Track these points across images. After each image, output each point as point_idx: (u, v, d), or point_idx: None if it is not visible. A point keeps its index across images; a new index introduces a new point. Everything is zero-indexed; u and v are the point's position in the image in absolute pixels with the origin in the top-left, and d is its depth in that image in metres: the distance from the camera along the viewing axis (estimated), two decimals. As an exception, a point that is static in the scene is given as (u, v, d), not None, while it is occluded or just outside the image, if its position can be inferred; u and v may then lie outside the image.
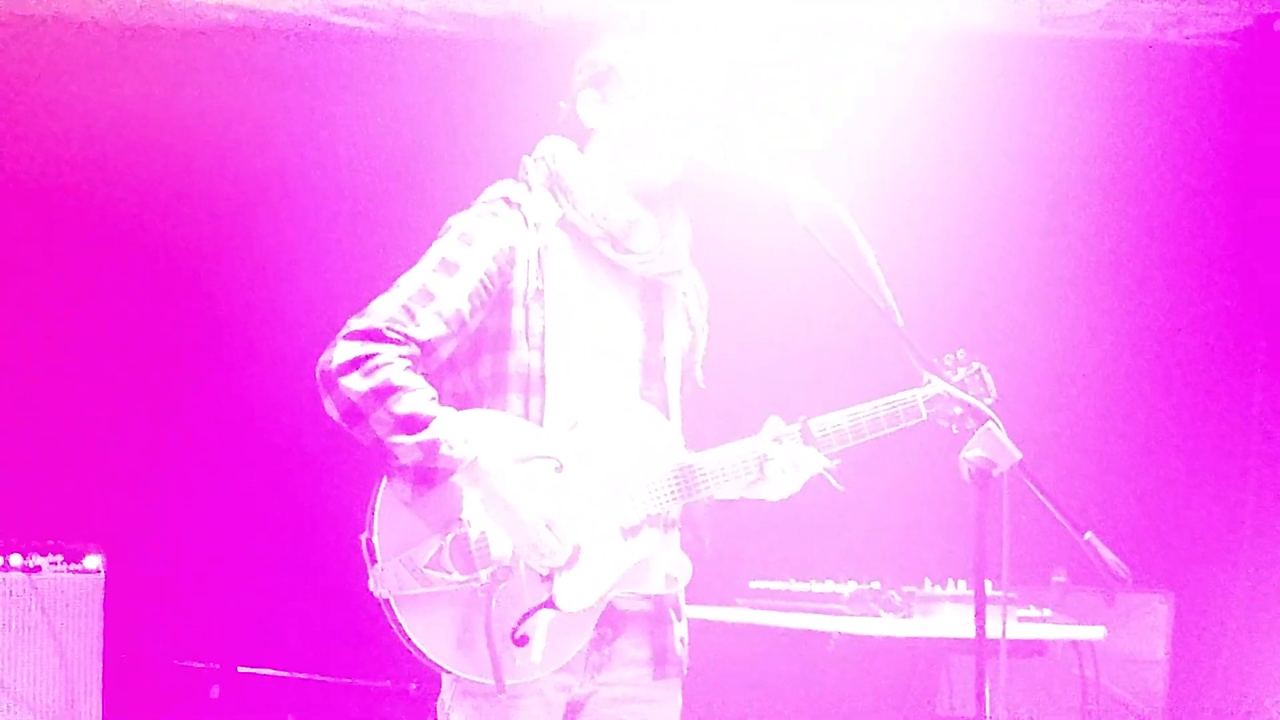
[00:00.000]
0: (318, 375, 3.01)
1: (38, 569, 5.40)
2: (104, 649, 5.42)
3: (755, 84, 5.55)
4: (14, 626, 5.33)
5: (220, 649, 6.01)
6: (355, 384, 2.97)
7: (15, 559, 5.39)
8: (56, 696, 5.34)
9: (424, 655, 3.00)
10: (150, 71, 6.10)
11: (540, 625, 3.02)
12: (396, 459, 2.98)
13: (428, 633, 2.98)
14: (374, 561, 2.99)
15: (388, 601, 2.99)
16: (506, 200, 3.19)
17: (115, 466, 6.16)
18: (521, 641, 3.01)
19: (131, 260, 6.28)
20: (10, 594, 5.35)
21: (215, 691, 5.87)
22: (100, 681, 5.41)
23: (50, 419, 6.15)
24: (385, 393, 2.96)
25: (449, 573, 2.98)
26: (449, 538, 2.99)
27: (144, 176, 6.24)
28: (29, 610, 5.35)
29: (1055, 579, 5.72)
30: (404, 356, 3.01)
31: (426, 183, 6.02)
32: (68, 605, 5.40)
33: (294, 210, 6.30)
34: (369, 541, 2.99)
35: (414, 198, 5.84)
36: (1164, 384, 6.42)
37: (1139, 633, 5.83)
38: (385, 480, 3.01)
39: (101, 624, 5.43)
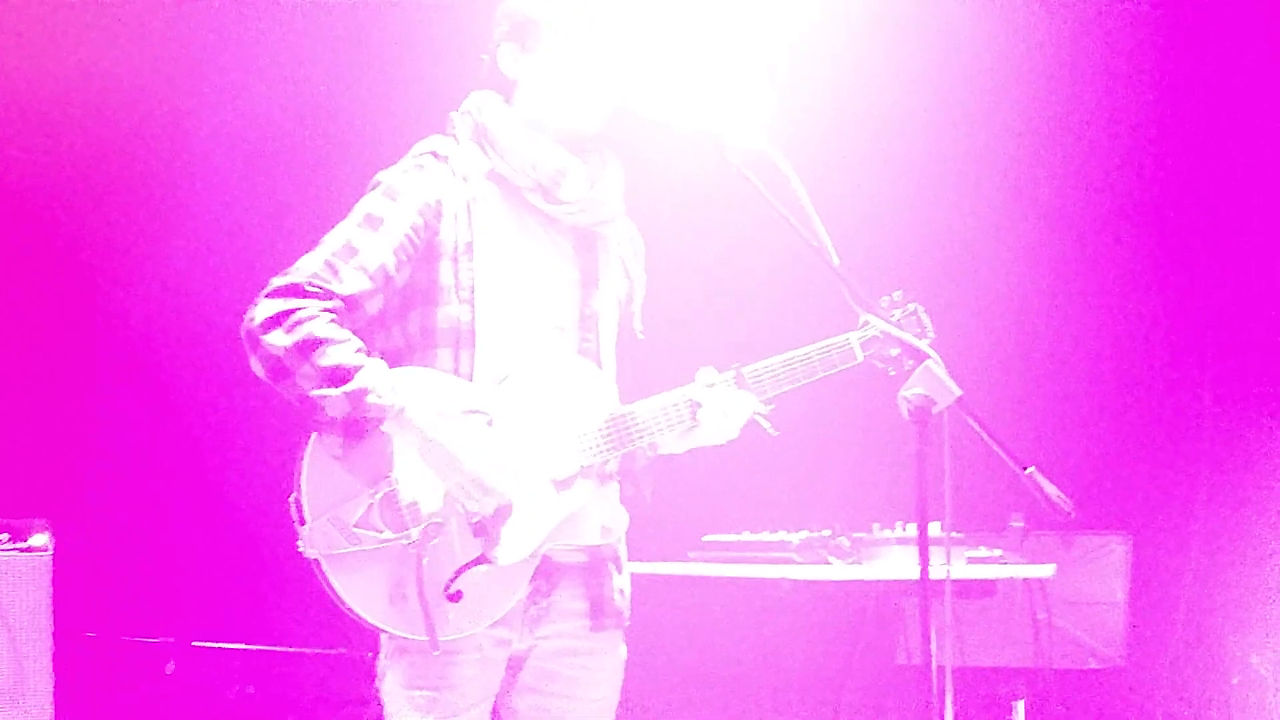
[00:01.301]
0: (242, 334, 2.98)
1: (-16, 547, 5.34)
2: (54, 627, 5.36)
3: (687, 25, 5.49)
4: (-38, 606, 5.28)
5: (174, 623, 5.97)
6: (278, 340, 2.93)
7: (-40, 538, 5.33)
8: (6, 675, 5.29)
9: (356, 614, 2.97)
10: (82, 30, 5.99)
11: (474, 580, 2.99)
12: (324, 412, 2.94)
13: (360, 591, 2.95)
14: (302, 522, 2.95)
15: (318, 562, 2.95)
16: (434, 154, 3.16)
17: (59, 442, 6.11)
18: (455, 597, 2.98)
19: (66, 226, 6.21)
20: (-44, 574, 5.30)
21: (170, 666, 5.83)
22: (51, 660, 5.35)
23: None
24: (309, 346, 2.93)
25: (379, 530, 2.95)
26: (378, 495, 2.96)
27: (93, 135, 6.14)
28: (-25, 589, 5.30)
29: (1013, 523, 5.73)
30: (327, 310, 2.97)
31: (362, 142, 5.95)
32: (15, 583, 5.34)
33: (227, 171, 6.24)
34: (296, 501, 2.95)
35: (349, 157, 5.78)
36: (1120, 324, 6.41)
37: (1097, 574, 5.84)
38: (313, 438, 2.97)
39: (50, 601, 5.37)
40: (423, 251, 3.08)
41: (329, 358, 2.93)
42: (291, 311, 2.95)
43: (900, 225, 6.09)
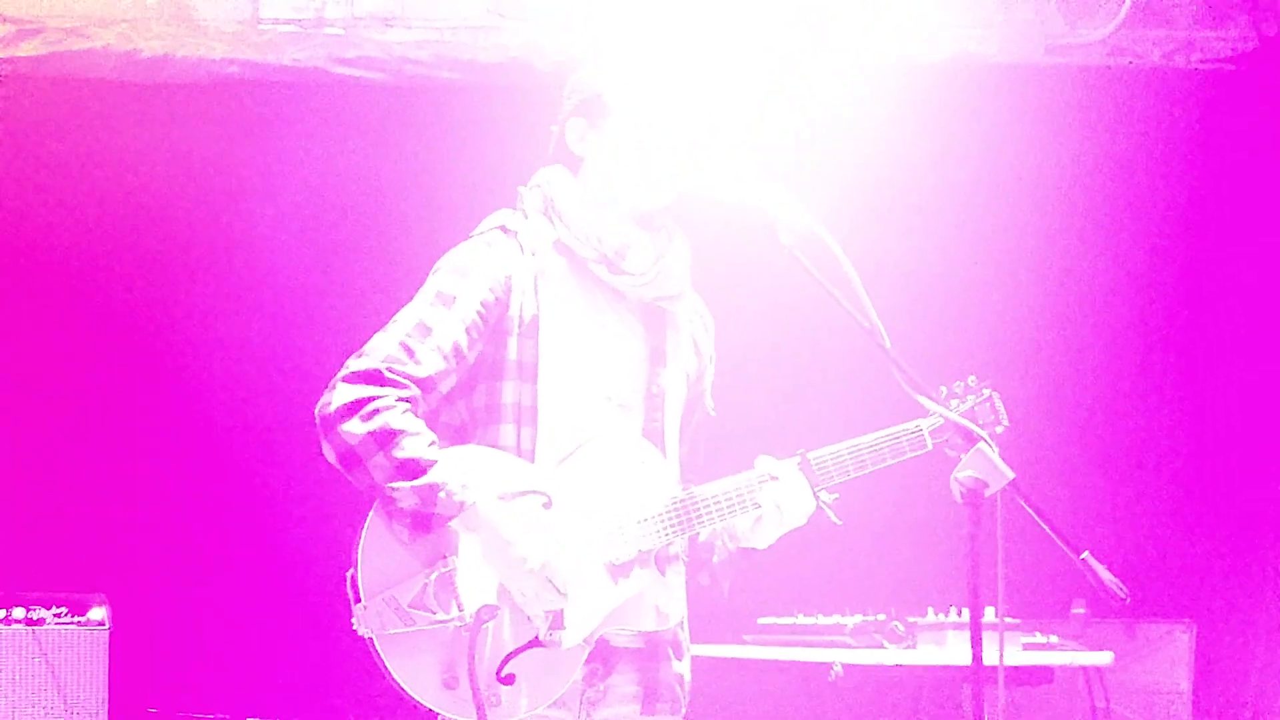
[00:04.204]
0: (316, 419, 2.98)
1: (41, 621, 5.38)
2: (109, 701, 5.39)
3: (750, 113, 5.53)
4: (18, 680, 5.31)
5: (231, 699, 5.97)
6: (354, 428, 2.93)
7: (18, 612, 5.38)
8: (63, 750, 5.32)
9: (408, 694, 2.96)
10: (157, 126, 6.12)
11: (526, 663, 2.98)
12: (395, 503, 2.94)
13: (412, 672, 2.94)
14: (357, 600, 2.95)
15: (372, 641, 2.95)
16: (503, 229, 3.17)
17: (118, 517, 6.15)
18: (507, 680, 2.96)
19: (138, 310, 6.29)
20: (14, 647, 5.33)
21: (226, 742, 5.84)
22: (106, 734, 5.38)
23: (52, 470, 6.15)
24: (384, 438, 2.92)
25: (432, 611, 2.94)
26: (433, 576, 2.95)
27: (149, 229, 6.26)
28: (33, 663, 5.33)
29: (1075, 610, 5.66)
30: (403, 399, 2.97)
31: (431, 229, 5.98)
32: (73, 658, 5.37)
33: (299, 259, 6.31)
34: (353, 578, 2.95)
35: (419, 244, 5.81)
36: (1185, 411, 6.37)
37: (1161, 664, 5.76)
38: (371, 515, 2.98)
39: (107, 676, 5.40)
40: (493, 327, 3.08)
41: (404, 450, 2.92)
42: (369, 400, 2.95)
43: (957, 309, 6.07)
